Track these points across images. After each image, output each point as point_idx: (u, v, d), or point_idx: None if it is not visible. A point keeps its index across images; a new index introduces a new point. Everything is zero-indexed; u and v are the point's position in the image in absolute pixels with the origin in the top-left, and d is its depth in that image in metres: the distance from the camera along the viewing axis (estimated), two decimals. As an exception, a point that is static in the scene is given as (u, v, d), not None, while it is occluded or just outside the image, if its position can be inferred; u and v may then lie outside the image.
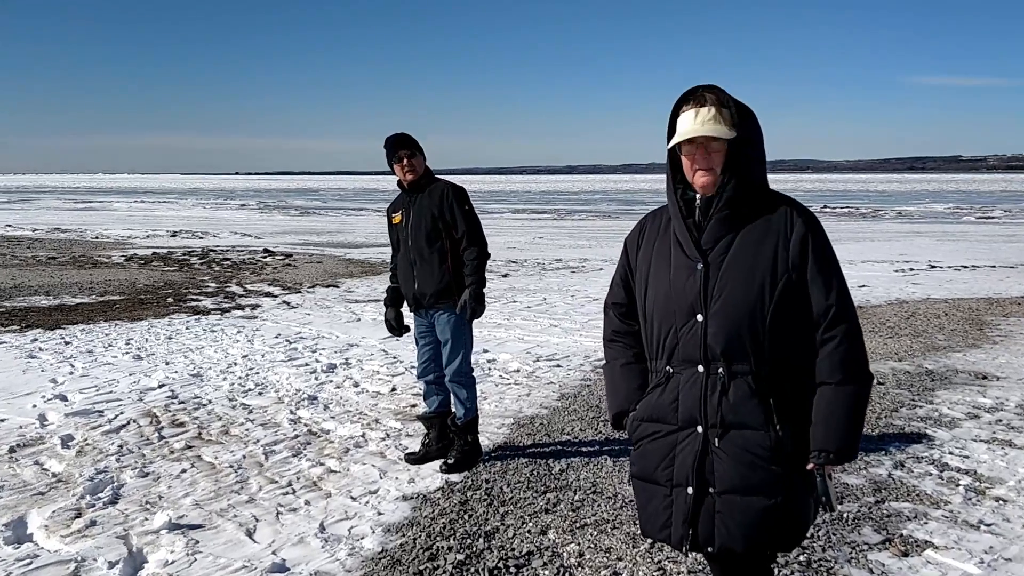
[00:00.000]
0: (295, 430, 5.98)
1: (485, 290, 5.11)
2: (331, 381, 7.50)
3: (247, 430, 6.00)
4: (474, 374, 5.35)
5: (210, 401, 6.84)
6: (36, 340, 9.48)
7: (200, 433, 5.96)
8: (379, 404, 6.71)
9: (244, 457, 5.40)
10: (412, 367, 7.99)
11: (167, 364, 8.27)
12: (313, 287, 14.00)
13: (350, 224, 33.30)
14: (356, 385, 7.37)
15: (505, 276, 15.83)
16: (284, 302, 12.39)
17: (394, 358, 8.46)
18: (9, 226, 27.71)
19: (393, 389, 7.19)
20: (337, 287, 13.98)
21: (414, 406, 6.60)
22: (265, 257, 18.61)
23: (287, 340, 9.46)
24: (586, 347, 8.97)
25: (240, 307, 11.94)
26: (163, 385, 7.36)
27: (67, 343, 9.33)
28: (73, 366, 8.18)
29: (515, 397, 6.85)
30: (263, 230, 28.67)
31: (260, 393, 7.11)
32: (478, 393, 5.51)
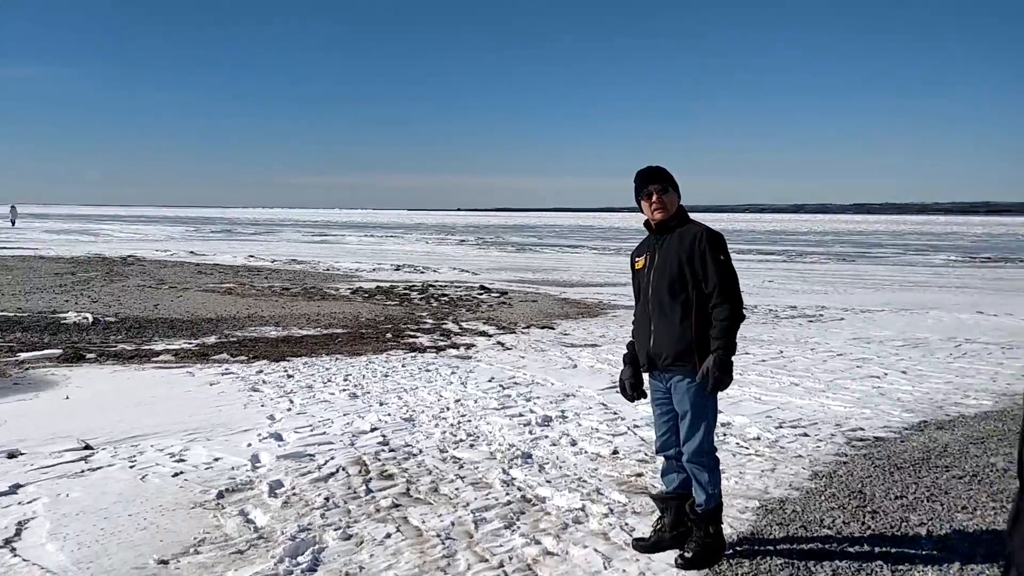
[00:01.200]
0: (508, 494, 5.43)
1: (734, 358, 4.26)
2: (546, 437, 6.94)
3: (457, 489, 5.52)
4: (718, 453, 4.56)
5: (421, 451, 6.45)
6: (261, 372, 9.60)
7: (408, 489, 5.54)
8: (600, 469, 6.05)
9: (453, 524, 4.90)
10: (635, 426, 7.32)
11: (381, 405, 8.03)
12: (528, 327, 13.63)
13: (565, 261, 33.13)
14: (574, 443, 6.76)
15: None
16: (498, 343, 12.06)
17: (615, 414, 7.79)
18: (252, 256, 29.61)
19: (615, 452, 6.51)
20: (552, 328, 13.54)
21: (639, 475, 5.90)
22: (481, 294, 18.56)
23: (500, 385, 9.04)
24: (836, 412, 7.90)
25: (455, 346, 11.71)
26: (375, 428, 7.09)
27: (289, 376, 9.37)
28: (292, 402, 8.11)
29: (757, 473, 5.97)
30: (480, 266, 28.99)
31: (472, 445, 6.65)
32: (717, 467, 4.74)
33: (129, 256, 28.63)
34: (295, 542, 4.58)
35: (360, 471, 5.94)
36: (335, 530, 4.78)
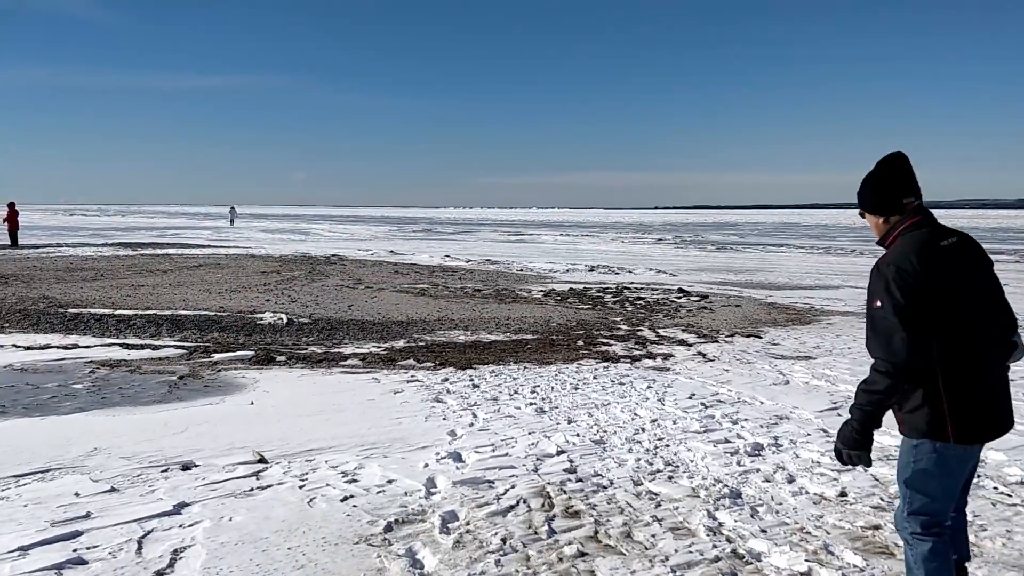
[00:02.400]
0: (715, 546, 4.56)
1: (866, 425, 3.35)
2: (758, 470, 5.99)
3: (654, 536, 4.71)
4: (930, 533, 3.40)
5: (612, 482, 5.68)
6: (446, 380, 9.16)
7: (597, 532, 4.79)
8: (825, 517, 5.05)
9: (648, 585, 4.11)
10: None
11: (569, 423, 7.34)
12: (732, 336, 12.53)
13: (770, 262, 31.28)
14: (791, 480, 5.78)
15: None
16: (699, 353, 11.07)
17: (837, 442, 6.71)
18: (448, 256, 29.84)
19: (843, 494, 5.48)
20: (759, 337, 12.37)
21: (876, 528, 4.86)
22: (680, 298, 17.52)
23: (702, 403, 8.11)
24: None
25: (651, 356, 10.84)
26: (562, 452, 6.38)
27: (475, 386, 8.87)
28: (475, 416, 7.57)
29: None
30: (678, 266, 27.80)
31: (671, 477, 5.81)
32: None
33: (332, 255, 29.58)
34: (463, 597, 3.94)
35: (543, 505, 5.25)
36: (509, 584, 4.10)
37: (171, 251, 31.24)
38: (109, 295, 16.42)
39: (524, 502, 5.28)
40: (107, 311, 13.88)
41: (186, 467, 6.20)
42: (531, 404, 8.05)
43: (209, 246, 35.38)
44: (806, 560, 4.33)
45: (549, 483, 5.65)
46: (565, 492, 5.46)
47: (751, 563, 4.36)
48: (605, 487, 5.59)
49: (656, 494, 5.47)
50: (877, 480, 5.75)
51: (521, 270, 24.56)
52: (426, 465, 6.09)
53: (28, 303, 14.86)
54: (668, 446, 6.63)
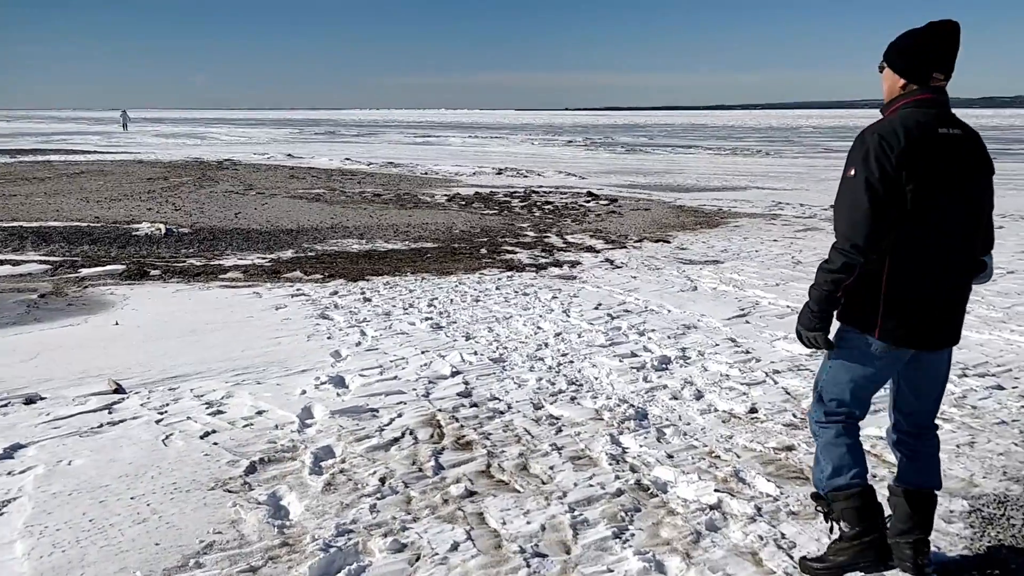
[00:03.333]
0: (618, 477, 4.09)
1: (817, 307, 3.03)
2: (665, 386, 5.56)
3: (552, 468, 4.22)
4: (833, 420, 3.19)
5: (510, 406, 5.18)
6: (335, 294, 8.49)
7: (489, 466, 4.27)
8: (736, 438, 4.65)
9: (543, 529, 3.61)
10: (775, 371, 5.88)
11: (467, 339, 6.80)
12: (640, 241, 12.11)
13: (679, 163, 31.04)
14: (699, 396, 5.37)
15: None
16: (607, 260, 10.62)
17: (747, 353, 6.35)
18: (348, 159, 28.61)
19: (753, 410, 5.09)
20: (668, 242, 11.98)
21: (790, 448, 4.48)
22: (588, 201, 17.02)
23: (609, 314, 7.66)
24: (1034, 358, 6.26)
25: (558, 263, 10.34)
26: (458, 373, 5.84)
27: (366, 300, 8.24)
28: (363, 334, 6.96)
29: (952, 450, 4.41)
30: (587, 169, 27.28)
31: (573, 398, 5.33)
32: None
33: (225, 160, 28.05)
34: (328, 555, 3.38)
35: (432, 436, 4.71)
36: (384, 536, 3.55)
37: (53, 158, 29.18)
38: (-29, 205, 15.04)
39: (410, 433, 4.73)
40: (-36, 223, 12.64)
41: (30, 400, 5.45)
42: (427, 319, 7.46)
43: (96, 152, 33.25)
44: (716, 491, 3.90)
45: (441, 409, 5.10)
46: (457, 420, 4.93)
47: (656, 495, 3.91)
48: (502, 412, 5.07)
49: (557, 418, 4.99)
50: (789, 394, 5.39)
51: (425, 174, 23.67)
52: (303, 392, 5.48)
53: None
54: (572, 362, 6.15)
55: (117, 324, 7.42)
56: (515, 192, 18.53)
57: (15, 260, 10.07)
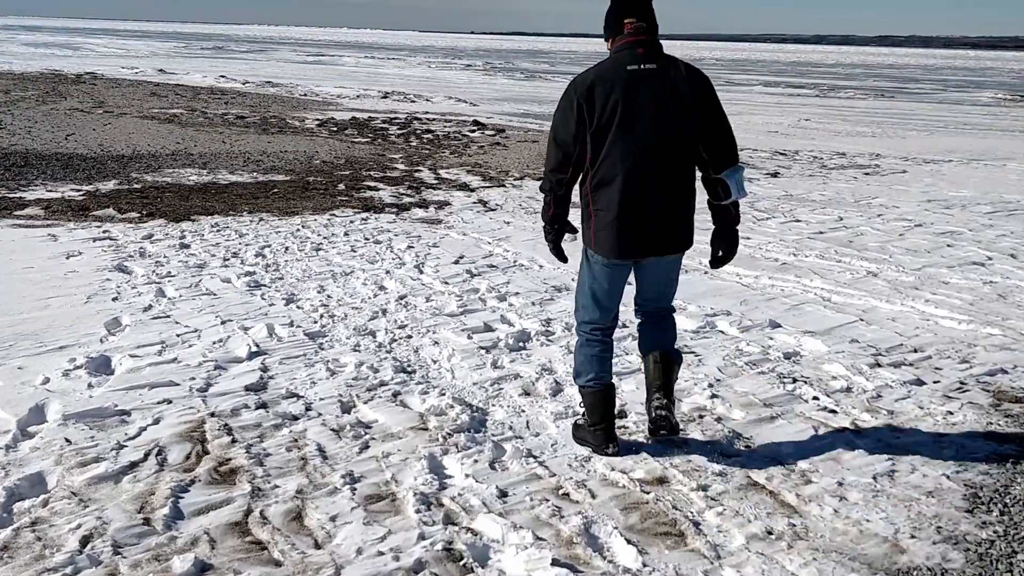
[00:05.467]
0: (423, 538, 2.92)
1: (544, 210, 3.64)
2: (517, 376, 4.44)
3: (334, 520, 3.03)
4: (581, 329, 3.74)
5: (309, 407, 3.97)
6: (149, 237, 7.11)
7: (248, 513, 3.06)
8: (593, 462, 3.54)
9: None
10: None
11: (288, 302, 5.55)
12: (521, 179, 10.90)
13: (578, 92, 29.74)
14: (556, 391, 4.26)
15: (774, 175, 12.04)
16: (480, 201, 9.39)
17: (624, 327, 5.26)
18: (223, 76, 26.31)
19: (621, 414, 4.01)
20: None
21: (662, 482, 3.41)
22: (473, 131, 15.67)
23: (469, 271, 6.49)
24: (950, 333, 5.36)
25: (424, 204, 9.07)
26: (258, 354, 4.61)
27: (184, 246, 6.88)
28: (161, 293, 5.65)
29: (867, 486, 3.42)
30: (481, 95, 25.79)
31: (397, 394, 4.16)
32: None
33: (86, 73, 25.48)
34: None
35: (187, 456, 3.48)
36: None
37: None
38: None
39: (158, 453, 3.49)
40: None
41: None
42: (248, 274, 6.17)
43: (-60, 58, 29.99)
44: (553, 563, 2.79)
45: (214, 413, 3.86)
46: (230, 431, 3.70)
47: (471, 572, 2.78)
48: (296, 417, 3.86)
49: (367, 427, 3.81)
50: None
51: (304, 95, 21.82)
52: (45, 381, 4.18)
53: None
54: (410, 338, 4.97)
55: None
56: (396, 119, 17.02)
57: None
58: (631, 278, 3.64)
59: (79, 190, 8.87)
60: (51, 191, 8.78)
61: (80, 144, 11.74)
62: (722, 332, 5.31)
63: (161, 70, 28.60)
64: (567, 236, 3.62)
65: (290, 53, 55.85)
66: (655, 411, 3.52)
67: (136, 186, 9.19)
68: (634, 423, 3.93)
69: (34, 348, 4.64)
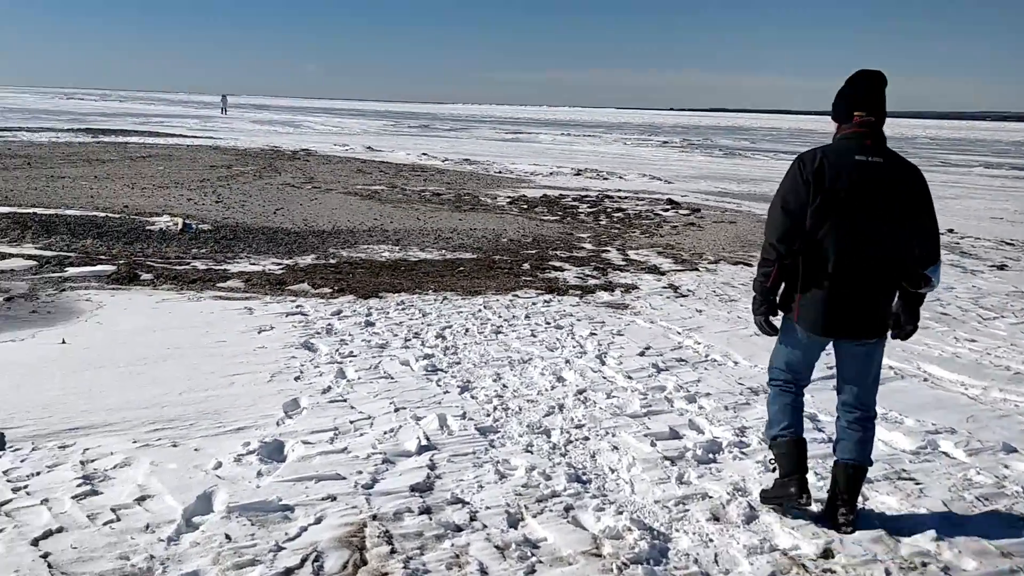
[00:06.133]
0: None
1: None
2: (706, 496, 3.97)
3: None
4: (773, 383, 3.90)
5: (473, 517, 3.68)
6: (338, 314, 7.16)
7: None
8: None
9: None
10: (871, 480, 4.18)
11: (463, 390, 5.35)
12: (716, 262, 10.39)
13: (779, 171, 28.76)
14: (751, 518, 3.75)
15: (1001, 268, 10.91)
16: (671, 285, 8.97)
17: (830, 440, 4.68)
18: (425, 154, 27.36)
19: (827, 554, 3.45)
20: (749, 265, 10.22)
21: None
22: (667, 210, 15.29)
23: (656, 364, 6.08)
24: None
25: (609, 286, 8.75)
26: (427, 448, 4.40)
27: (368, 324, 6.87)
28: (341, 374, 5.59)
29: None
30: (677, 172, 25.41)
31: (570, 507, 3.80)
32: None
33: (302, 150, 27.19)
34: None
35: (342, 567, 3.26)
36: None
37: (133, 140, 28.86)
38: (10, 187, 14.27)
39: (315, 560, 3.29)
40: (-20, 207, 11.78)
41: None
42: (426, 357, 6.03)
43: (181, 136, 32.93)
44: None
45: (377, 516, 3.65)
46: (391, 540, 3.46)
47: None
48: (459, 528, 3.58)
49: (535, 546, 3.47)
50: (884, 526, 3.73)
51: (499, 172, 22.23)
52: (218, 465, 4.13)
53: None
54: (587, 440, 4.62)
55: (64, 343, 6.21)
56: (587, 196, 16.92)
57: (3, 253, 9.03)
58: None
59: (279, 264, 9.19)
60: (254, 264, 9.14)
61: (286, 218, 12.31)
62: (946, 455, 4.62)
63: (369, 147, 30.14)
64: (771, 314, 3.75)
65: (490, 131, 57.77)
66: (841, 528, 3.59)
67: (332, 261, 9.42)
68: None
69: (213, 428, 4.63)
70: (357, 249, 10.23)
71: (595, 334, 6.86)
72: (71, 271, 8.39)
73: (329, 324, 6.85)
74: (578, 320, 7.30)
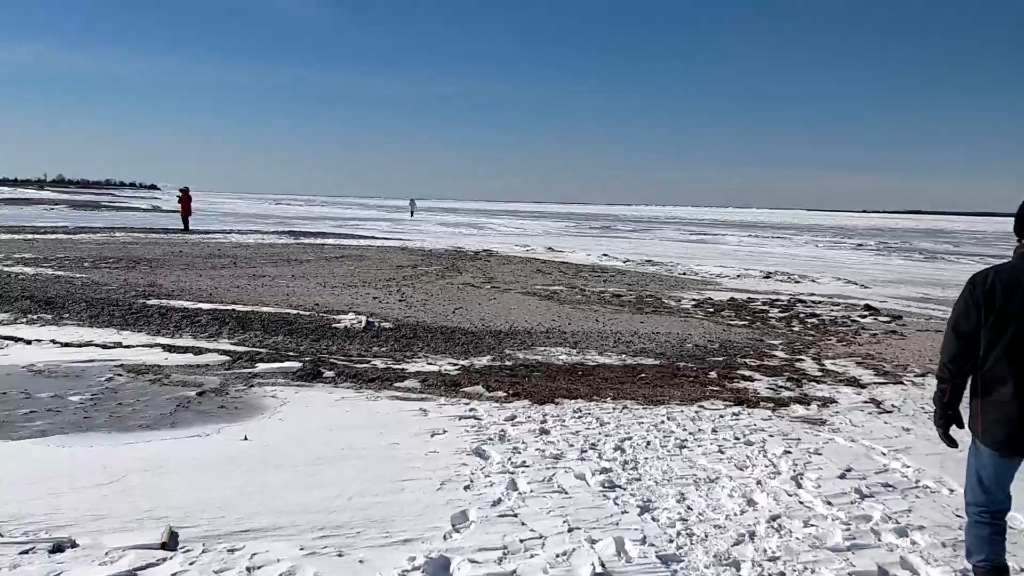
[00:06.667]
0: None
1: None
2: (928, 659, 3.37)
3: None
4: (970, 511, 3.87)
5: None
6: (512, 419, 6.94)
7: None
8: None
9: None
10: None
11: (643, 511, 4.95)
12: (923, 375, 9.47)
13: (987, 275, 26.61)
14: None
15: None
16: (872, 400, 8.19)
17: None
18: (606, 255, 27.26)
19: None
20: (963, 379, 9.24)
21: None
22: (864, 316, 14.30)
23: (859, 490, 5.44)
24: None
25: (804, 400, 8.09)
26: None
27: (543, 432, 6.59)
28: (513, 486, 5.33)
29: None
30: (873, 276, 24.00)
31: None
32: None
33: (483, 250, 27.80)
34: None
35: None
36: None
37: (329, 241, 30.52)
38: (215, 284, 15.22)
39: None
40: (188, 303, 12.53)
41: (58, 548, 4.35)
42: (603, 471, 5.66)
43: (372, 237, 34.57)
44: None
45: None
46: None
47: None
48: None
49: None
50: None
51: (683, 274, 21.74)
52: (379, 580, 3.91)
53: (118, 291, 13.80)
54: (782, 576, 4.09)
55: (245, 439, 6.31)
56: (777, 300, 16.14)
57: (201, 348, 9.48)
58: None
59: (455, 364, 9.13)
60: (431, 364, 9.13)
61: (464, 318, 12.37)
62: None
63: (550, 248, 30.47)
64: (954, 427, 3.81)
65: (673, 232, 57.37)
66: None
67: (507, 363, 9.28)
68: None
69: (380, 538, 4.46)
70: (534, 351, 10.05)
71: (790, 452, 6.27)
72: (260, 367, 8.66)
73: (502, 430, 6.63)
74: (770, 436, 6.73)
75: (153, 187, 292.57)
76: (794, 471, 5.82)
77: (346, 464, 5.70)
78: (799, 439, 6.66)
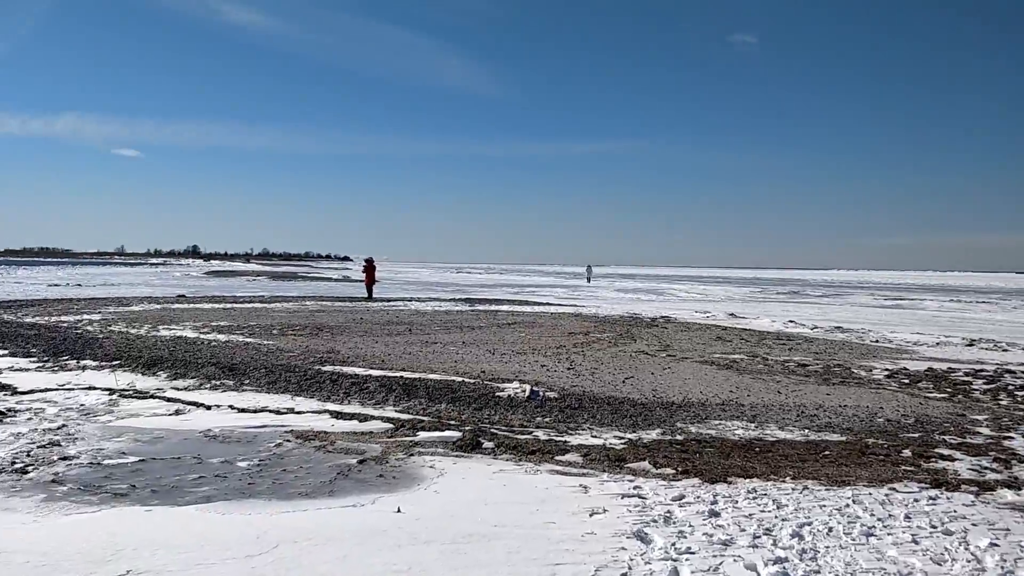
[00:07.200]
0: None
1: None
2: None
3: None
4: None
5: None
6: (679, 499, 6.47)
7: None
8: None
9: None
10: None
11: (821, 611, 4.34)
12: None
13: None
14: None
15: None
16: (1101, 486, 7.11)
17: None
18: (792, 321, 25.87)
19: None
20: None
21: None
22: (1088, 389, 12.71)
23: (1088, 597, 4.61)
24: None
25: (1014, 484, 7.12)
26: None
27: (713, 514, 6.08)
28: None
29: None
30: (1099, 344, 21.54)
31: None
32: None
33: (660, 317, 27.14)
34: None
35: None
36: None
37: (503, 307, 30.80)
38: (388, 351, 15.51)
39: None
40: (360, 370, 12.76)
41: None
42: (778, 561, 5.11)
43: (547, 304, 34.66)
44: None
45: None
46: None
47: None
48: None
49: None
50: None
51: (875, 341, 20.27)
52: None
53: (298, 357, 14.29)
54: None
55: (399, 511, 6.18)
56: (982, 371, 14.67)
57: (366, 415, 9.54)
58: None
59: (621, 438, 8.71)
60: (595, 436, 8.75)
61: (635, 388, 11.91)
62: None
63: (732, 314, 29.40)
64: None
65: (866, 297, 54.29)
66: None
67: (678, 437, 8.76)
68: None
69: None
70: (707, 425, 9.47)
71: (997, 545, 5.46)
72: (421, 435, 8.58)
73: (668, 511, 6.16)
74: (974, 525, 5.91)
75: (346, 258, 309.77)
76: (1002, 567, 5.04)
77: (495, 544, 5.43)
78: (1008, 530, 5.81)
